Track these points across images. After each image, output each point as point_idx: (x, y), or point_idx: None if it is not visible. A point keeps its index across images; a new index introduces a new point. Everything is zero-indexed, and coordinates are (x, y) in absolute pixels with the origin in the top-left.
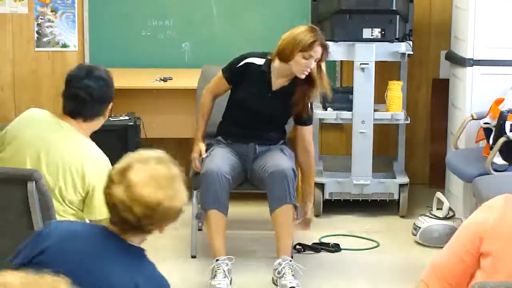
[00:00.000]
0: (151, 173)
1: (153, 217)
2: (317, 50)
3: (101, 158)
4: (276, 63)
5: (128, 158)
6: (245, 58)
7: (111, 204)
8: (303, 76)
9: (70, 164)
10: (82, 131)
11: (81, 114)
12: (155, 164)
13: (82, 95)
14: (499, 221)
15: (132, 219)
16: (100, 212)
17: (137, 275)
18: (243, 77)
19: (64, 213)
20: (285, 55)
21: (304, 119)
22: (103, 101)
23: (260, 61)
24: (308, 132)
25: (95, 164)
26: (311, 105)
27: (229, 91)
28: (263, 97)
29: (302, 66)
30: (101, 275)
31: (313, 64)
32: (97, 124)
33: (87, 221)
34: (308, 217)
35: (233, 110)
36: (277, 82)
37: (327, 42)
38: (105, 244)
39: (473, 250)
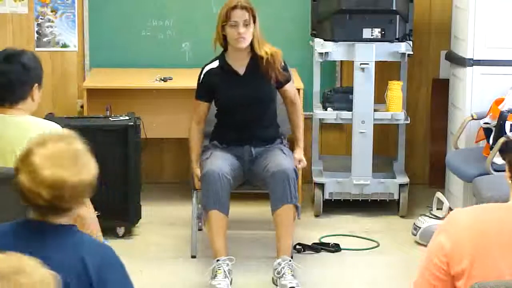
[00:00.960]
0: (51, 153)
1: (64, 196)
2: (237, 14)
3: (45, 125)
4: (227, 54)
5: (29, 143)
6: (202, 70)
7: (20, 192)
8: (242, 44)
9: (20, 144)
10: (14, 116)
11: (5, 100)
12: (54, 143)
13: (2, 81)
14: (456, 240)
15: (44, 203)
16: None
17: (79, 251)
18: (212, 86)
19: None
20: (220, 38)
21: (283, 80)
22: (23, 84)
23: (215, 64)
24: (290, 88)
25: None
26: (284, 64)
27: (213, 105)
28: (238, 87)
29: (233, 35)
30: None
31: (243, 29)
32: (28, 107)
33: None
34: (302, 163)
35: (222, 116)
36: (239, 66)
37: (326, 40)
38: (32, 235)
39: (443, 275)
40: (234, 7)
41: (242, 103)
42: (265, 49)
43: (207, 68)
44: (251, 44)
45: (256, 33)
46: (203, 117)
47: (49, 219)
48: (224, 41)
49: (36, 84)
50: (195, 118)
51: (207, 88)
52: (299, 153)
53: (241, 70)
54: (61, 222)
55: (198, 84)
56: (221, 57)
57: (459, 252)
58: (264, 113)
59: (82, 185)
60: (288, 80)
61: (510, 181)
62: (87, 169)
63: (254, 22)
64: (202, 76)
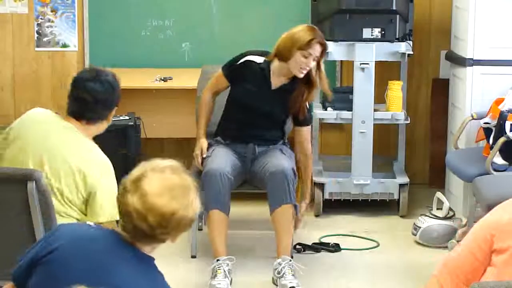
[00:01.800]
0: (166, 183)
1: (167, 227)
2: (316, 48)
3: (103, 161)
4: (275, 62)
5: (142, 166)
6: (245, 55)
7: (125, 212)
8: (301, 75)
9: (73, 167)
10: (85, 133)
11: (84, 117)
12: (169, 174)
13: (87, 97)
14: None
15: (146, 228)
16: (103, 215)
17: (143, 282)
18: (242, 75)
19: (66, 215)
20: (283, 53)
21: (301, 120)
22: (107, 105)
23: (259, 59)
24: (305, 133)
25: (97, 167)
26: (310, 106)
27: (229, 90)
28: (262, 95)
29: (300, 64)
30: (109, 279)
31: (312, 63)
32: (100, 127)
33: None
34: (300, 217)
35: (232, 109)
36: (276, 81)
37: (326, 41)
38: (116, 249)
39: (486, 247)
40: (318, 42)
41: (255, 111)
42: (325, 86)
43: (251, 57)
44: (309, 75)
45: (323, 71)
46: (218, 91)
47: (137, 244)
48: (283, 59)
49: (116, 107)
50: (211, 89)
51: (237, 73)
52: (305, 205)
53: (274, 84)
54: (144, 249)
55: (232, 62)
56: (267, 61)
57: (509, 230)
58: (271, 128)
59: (187, 221)
60: (307, 122)
61: None
62: (194, 205)
63: (322, 55)
64: (242, 60)
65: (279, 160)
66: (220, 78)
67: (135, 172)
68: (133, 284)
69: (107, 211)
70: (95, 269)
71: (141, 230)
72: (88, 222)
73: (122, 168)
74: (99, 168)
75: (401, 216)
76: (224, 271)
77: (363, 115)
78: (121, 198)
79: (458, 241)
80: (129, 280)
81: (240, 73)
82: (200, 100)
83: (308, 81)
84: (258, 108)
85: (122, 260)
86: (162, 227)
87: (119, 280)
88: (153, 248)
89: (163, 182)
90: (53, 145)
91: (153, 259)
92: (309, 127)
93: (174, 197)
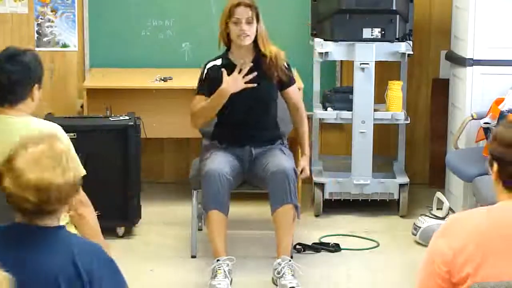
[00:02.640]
0: (33, 156)
1: (50, 198)
2: (240, 11)
3: (45, 128)
4: (231, 51)
5: (13, 147)
6: (205, 66)
7: (7, 197)
8: (245, 42)
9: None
10: (14, 115)
11: (4, 100)
12: (35, 146)
13: (2, 80)
14: (458, 247)
15: (31, 206)
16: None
17: (68, 252)
18: (213, 82)
19: None
20: (223, 34)
21: (285, 82)
22: (23, 84)
23: (218, 61)
24: (292, 92)
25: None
26: (288, 65)
27: None
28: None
29: (236, 32)
30: (31, 270)
31: (247, 26)
32: (27, 108)
33: None
34: (305, 172)
35: (223, 115)
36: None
37: (326, 40)
38: (20, 239)
39: (445, 284)
40: (238, 5)
41: (243, 101)
42: (270, 48)
43: (210, 64)
44: (255, 42)
45: (260, 32)
46: None
47: (36, 222)
48: (228, 39)
49: (36, 85)
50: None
51: (209, 83)
52: (304, 161)
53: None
54: (47, 224)
55: (200, 80)
56: (224, 55)
57: (461, 259)
58: (265, 112)
59: (67, 186)
60: (291, 81)
61: (496, 179)
62: (70, 169)
63: (258, 20)
64: (205, 71)
65: (280, 160)
66: (199, 100)
67: (6, 155)
68: (59, 260)
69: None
70: (12, 269)
71: (29, 210)
72: None
73: (122, 168)
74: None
75: (401, 216)
76: (224, 271)
77: (363, 115)
78: (1, 184)
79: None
80: (52, 260)
81: (210, 82)
82: (191, 118)
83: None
84: (244, 100)
85: (33, 246)
86: (45, 201)
87: (43, 267)
88: (58, 217)
89: (30, 156)
90: None
91: (61, 227)
92: (295, 85)
93: (45, 168)
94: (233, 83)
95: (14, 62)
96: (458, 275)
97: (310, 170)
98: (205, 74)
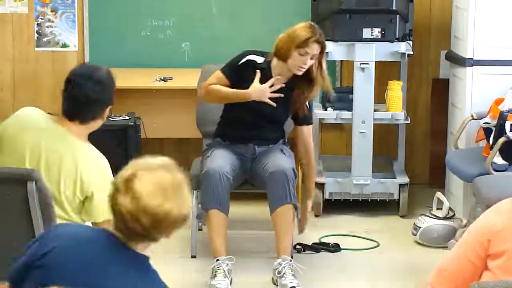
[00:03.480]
0: (157, 182)
1: (161, 227)
2: (313, 47)
3: (99, 161)
4: (275, 62)
5: (133, 165)
6: (245, 55)
7: (117, 213)
8: (299, 73)
9: (69, 171)
10: (79, 132)
11: (77, 117)
12: (161, 172)
13: (80, 97)
14: (507, 223)
15: (139, 229)
16: (100, 215)
17: (139, 283)
18: (243, 75)
19: (63, 218)
20: (282, 52)
21: (302, 118)
22: (100, 104)
23: (260, 59)
24: (306, 132)
25: (93, 168)
26: (310, 105)
27: None
28: None
29: (298, 62)
30: (103, 282)
31: (310, 61)
32: (94, 126)
33: (88, 223)
34: (306, 216)
35: (232, 110)
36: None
37: (326, 40)
38: (110, 250)
39: (482, 252)
40: (314, 40)
41: (256, 111)
42: (327, 84)
43: (251, 57)
44: (310, 72)
45: (324, 68)
46: None
47: (131, 243)
48: (282, 57)
49: (110, 105)
50: (210, 84)
51: (239, 74)
52: (310, 203)
53: (276, 85)
54: (138, 248)
55: (233, 63)
56: (268, 60)
57: (504, 235)
58: (272, 128)
59: (181, 218)
60: (309, 121)
61: None
62: (187, 202)
63: (322, 53)
64: (243, 60)
65: (280, 160)
66: (221, 79)
67: (126, 172)
68: (127, 285)
69: (105, 211)
70: (89, 271)
71: (134, 230)
72: (85, 223)
73: (122, 168)
74: (95, 169)
75: (401, 216)
76: (224, 271)
77: (363, 115)
78: (113, 198)
79: (458, 241)
80: (124, 282)
81: (241, 73)
82: (209, 90)
83: (308, 79)
84: (259, 108)
85: (116, 261)
86: (156, 227)
87: (113, 282)
88: (147, 246)
89: (155, 181)
90: (48, 152)
91: (147, 258)
92: (310, 126)
93: (166, 197)
94: (260, 93)
95: (94, 79)
96: (496, 248)
97: None
98: (241, 63)
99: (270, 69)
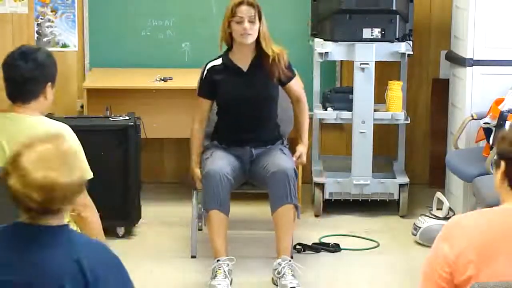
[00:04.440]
0: (40, 155)
1: (55, 198)
2: (242, 10)
3: (54, 128)
4: (231, 52)
5: (18, 146)
6: (205, 67)
7: (12, 196)
8: (247, 40)
9: None
10: (25, 113)
11: (18, 98)
12: (42, 145)
13: (16, 78)
14: (459, 249)
15: (36, 206)
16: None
17: (73, 252)
18: (214, 83)
19: None
20: (225, 34)
21: (285, 80)
22: (37, 82)
23: (217, 61)
24: (294, 85)
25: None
26: (289, 64)
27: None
28: (241, 84)
29: (239, 30)
30: (36, 271)
31: (249, 24)
32: (39, 106)
33: None
34: (302, 159)
35: (224, 115)
36: (243, 64)
37: (326, 40)
38: (24, 238)
39: (448, 286)
40: (240, 3)
41: (244, 101)
42: (272, 48)
43: (210, 64)
44: (257, 42)
45: (263, 31)
46: (205, 115)
47: (40, 221)
48: (230, 39)
49: (50, 83)
50: (198, 117)
51: (210, 85)
52: (302, 148)
53: (244, 67)
54: (51, 223)
55: (201, 81)
56: (225, 55)
57: (464, 261)
58: (265, 112)
59: (73, 186)
60: (291, 77)
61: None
62: (76, 169)
63: (260, 19)
64: (205, 72)
65: (280, 160)
66: (200, 103)
67: (12, 154)
68: (62, 260)
69: (87, 167)
70: (13, 272)
71: (33, 209)
72: None
73: (122, 168)
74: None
75: (401, 216)
76: (224, 271)
77: (363, 115)
78: (6, 183)
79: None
80: (55, 259)
81: (211, 83)
82: (191, 134)
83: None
84: (245, 97)
85: (35, 247)
86: (51, 200)
87: (45, 266)
88: (61, 217)
89: (37, 155)
90: (8, 137)
91: (64, 226)
92: (296, 78)
93: (51, 168)
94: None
95: (28, 59)
96: (461, 276)
97: (310, 170)
98: (205, 74)
99: (231, 60)
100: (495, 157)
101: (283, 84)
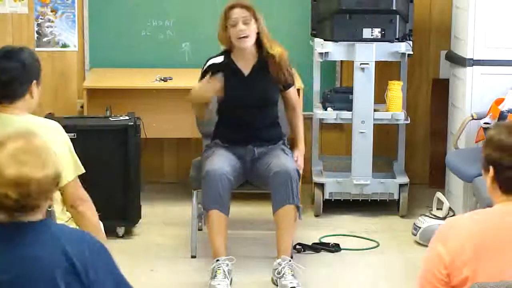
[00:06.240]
0: (10, 152)
1: (31, 194)
2: (236, 12)
3: (43, 125)
4: (233, 53)
5: None
6: (206, 62)
7: None
8: (244, 44)
9: None
10: (13, 113)
11: (5, 98)
12: (13, 142)
13: (1, 78)
14: (454, 251)
15: (12, 203)
16: (68, 175)
17: (58, 243)
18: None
19: None
20: (224, 38)
21: (290, 82)
22: (21, 82)
23: (219, 59)
24: (292, 93)
25: (47, 133)
26: (290, 68)
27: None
28: (242, 87)
29: (235, 34)
30: (25, 268)
31: (244, 26)
32: (26, 105)
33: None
34: (299, 162)
35: (224, 115)
36: (245, 67)
37: (326, 40)
38: (5, 237)
39: (444, 282)
40: (232, 7)
41: (245, 104)
42: (276, 48)
43: (211, 61)
44: (259, 45)
45: (262, 31)
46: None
47: (18, 219)
48: (230, 44)
49: (35, 81)
50: None
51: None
52: (298, 153)
53: (246, 70)
54: (32, 219)
55: (202, 73)
56: (227, 54)
57: (459, 262)
58: (267, 113)
59: (48, 180)
60: (291, 85)
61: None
62: (49, 163)
63: (256, 20)
64: (205, 67)
65: (283, 160)
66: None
67: None
68: (49, 253)
69: (70, 169)
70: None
71: (9, 206)
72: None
73: (122, 168)
74: (50, 133)
75: (401, 216)
76: (224, 271)
77: (363, 115)
78: None
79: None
80: (42, 254)
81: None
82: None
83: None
84: (244, 100)
85: (14, 244)
86: (26, 196)
87: (34, 263)
88: (41, 212)
89: (7, 153)
90: None
91: (45, 220)
92: (294, 87)
93: (22, 163)
94: (199, 86)
95: (10, 59)
96: (457, 278)
97: (311, 170)
98: (205, 70)
99: (233, 61)
100: (483, 161)
101: (284, 88)
